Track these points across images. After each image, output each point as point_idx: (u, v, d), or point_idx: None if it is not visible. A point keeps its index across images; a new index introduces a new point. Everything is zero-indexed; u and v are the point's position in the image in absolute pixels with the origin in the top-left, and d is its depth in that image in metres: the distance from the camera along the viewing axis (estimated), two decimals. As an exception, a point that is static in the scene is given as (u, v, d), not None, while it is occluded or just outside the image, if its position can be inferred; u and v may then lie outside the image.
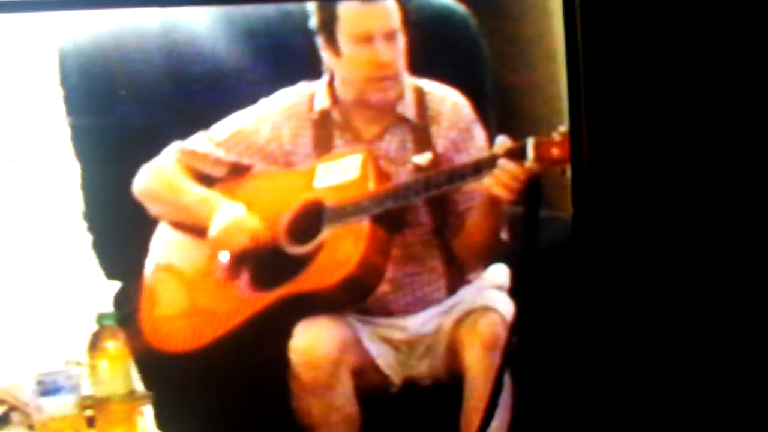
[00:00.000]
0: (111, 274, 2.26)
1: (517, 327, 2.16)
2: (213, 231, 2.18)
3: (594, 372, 2.05)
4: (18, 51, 2.30)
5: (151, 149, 2.22)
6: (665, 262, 2.03)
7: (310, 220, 2.17)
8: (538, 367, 2.17)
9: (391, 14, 2.15)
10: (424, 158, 2.18)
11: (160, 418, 2.11)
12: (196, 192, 2.22)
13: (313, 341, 2.13)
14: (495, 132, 2.15)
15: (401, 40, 2.16)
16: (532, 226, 2.12)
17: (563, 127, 2.09)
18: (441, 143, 2.19)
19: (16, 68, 2.33)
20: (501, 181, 2.09)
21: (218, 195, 2.21)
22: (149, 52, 2.24)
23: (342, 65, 2.17)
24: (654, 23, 2.01)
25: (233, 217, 2.18)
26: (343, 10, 2.14)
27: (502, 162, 2.09)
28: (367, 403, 2.16)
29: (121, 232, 2.24)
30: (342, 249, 2.14)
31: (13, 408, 2.11)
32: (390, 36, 2.14)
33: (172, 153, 2.22)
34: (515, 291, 2.20)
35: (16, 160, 2.38)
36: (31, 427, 2.06)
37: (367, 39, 2.14)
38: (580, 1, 2.03)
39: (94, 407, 2.05)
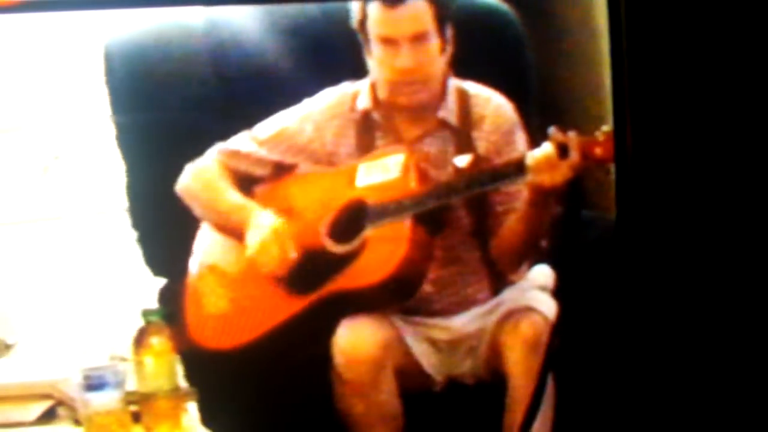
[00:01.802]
0: (156, 270, 2.29)
1: (559, 328, 2.15)
2: (249, 248, 2.20)
3: (637, 373, 2.04)
4: (64, 49, 2.33)
5: (195, 147, 2.24)
6: (709, 263, 2.02)
7: (352, 220, 2.18)
8: (581, 367, 2.17)
9: (419, 17, 2.14)
10: (464, 160, 2.18)
11: (204, 415, 2.13)
12: (232, 199, 2.24)
13: (355, 340, 2.15)
14: (538, 132, 2.14)
15: (434, 43, 2.15)
16: (574, 226, 2.12)
17: (607, 127, 2.07)
18: (482, 146, 2.20)
19: (62, 66, 2.35)
20: (544, 168, 2.08)
21: (253, 204, 2.23)
22: (193, 50, 2.27)
23: (374, 66, 2.18)
24: (699, 22, 2.00)
25: (268, 231, 2.19)
26: (371, 11, 2.15)
27: (547, 148, 2.08)
28: (410, 402, 2.17)
29: (166, 229, 2.26)
30: (384, 248, 2.15)
31: (59, 403, 2.14)
32: (417, 39, 2.14)
33: (214, 154, 2.24)
34: (558, 292, 2.20)
35: (62, 157, 2.40)
36: (77, 421, 2.09)
37: (393, 42, 2.15)
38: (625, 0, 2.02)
39: (139, 403, 2.07)
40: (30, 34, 2.32)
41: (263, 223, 2.20)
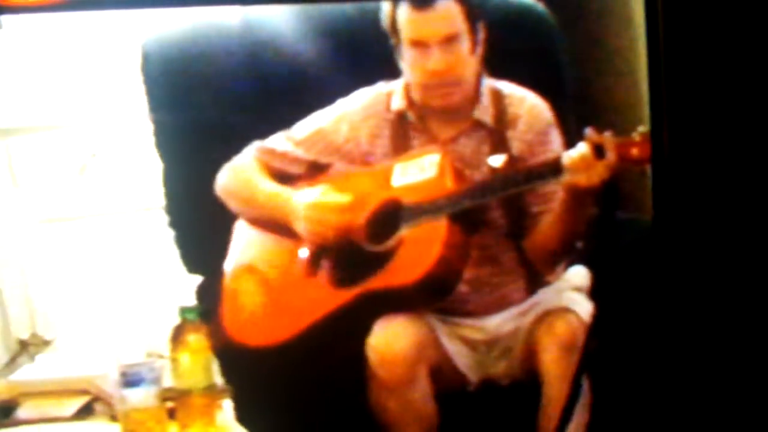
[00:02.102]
0: (193, 268, 2.31)
1: (595, 329, 2.14)
2: (297, 226, 2.20)
3: (673, 375, 2.03)
4: (103, 48, 2.34)
5: (231, 146, 2.26)
6: (747, 265, 2.01)
7: (387, 219, 2.18)
8: (616, 368, 2.16)
9: (449, 19, 2.14)
10: (499, 160, 2.17)
11: (239, 412, 2.13)
12: (271, 190, 2.24)
13: (391, 339, 2.15)
14: (574, 133, 2.13)
15: (465, 44, 2.15)
16: (610, 227, 2.11)
17: (643, 127, 2.06)
18: (517, 146, 2.19)
19: (101, 65, 2.37)
20: (580, 168, 2.08)
21: (292, 192, 2.23)
22: (230, 50, 2.28)
23: (405, 69, 2.18)
24: (737, 21, 1.98)
25: (312, 208, 2.20)
26: (401, 13, 2.15)
27: (583, 149, 2.08)
28: (444, 401, 2.17)
29: (202, 227, 2.28)
30: (419, 248, 2.15)
31: (96, 398, 2.15)
32: (448, 41, 2.14)
33: (251, 152, 2.26)
34: (594, 293, 2.19)
35: (100, 156, 2.42)
36: (113, 417, 2.10)
37: (423, 45, 2.15)
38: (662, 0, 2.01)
39: (175, 399, 2.08)
40: (68, 33, 2.35)
41: (306, 198, 2.21)
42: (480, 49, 2.17)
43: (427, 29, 2.14)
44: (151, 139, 2.32)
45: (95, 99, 2.42)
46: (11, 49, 2.36)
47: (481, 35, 2.17)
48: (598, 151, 2.08)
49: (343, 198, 2.21)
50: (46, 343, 2.34)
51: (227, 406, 2.13)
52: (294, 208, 2.21)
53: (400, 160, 2.22)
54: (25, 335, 2.34)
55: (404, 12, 2.14)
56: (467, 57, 2.17)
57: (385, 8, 2.17)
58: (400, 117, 2.22)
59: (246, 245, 2.26)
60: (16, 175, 2.43)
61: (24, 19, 2.28)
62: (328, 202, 2.20)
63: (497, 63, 2.20)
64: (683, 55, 2.00)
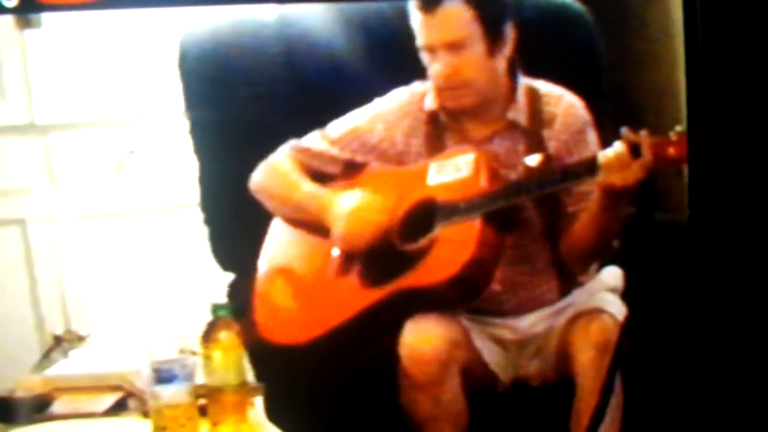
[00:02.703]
0: (226, 265, 2.31)
1: (629, 330, 2.12)
2: (334, 229, 2.20)
3: (707, 377, 2.01)
4: (140, 45, 2.36)
5: (267, 144, 2.27)
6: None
7: (422, 218, 2.18)
8: (650, 369, 2.14)
9: (454, 24, 2.13)
10: (535, 159, 2.16)
11: (271, 410, 2.14)
12: (307, 189, 2.25)
13: (422, 338, 2.15)
14: (611, 132, 2.11)
15: (475, 47, 2.13)
16: (645, 227, 2.09)
17: (680, 127, 2.04)
18: (554, 145, 2.18)
19: (138, 62, 2.39)
20: (616, 168, 2.06)
21: (329, 191, 2.24)
22: (266, 48, 2.29)
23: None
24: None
25: (352, 210, 2.20)
26: (414, 17, 2.16)
27: (619, 148, 2.06)
28: (475, 401, 2.17)
29: (236, 224, 2.29)
30: (453, 247, 2.15)
31: (129, 394, 2.16)
32: (452, 47, 2.13)
33: (286, 150, 2.26)
34: (628, 294, 2.18)
35: (137, 153, 2.44)
36: (146, 413, 2.11)
37: (431, 49, 2.15)
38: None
39: (207, 396, 2.09)
40: (106, 31, 2.36)
41: (348, 202, 2.21)
42: (507, 50, 2.16)
43: (432, 35, 2.14)
44: (187, 136, 2.32)
45: (133, 96, 2.44)
46: (51, 46, 2.39)
47: (509, 35, 2.15)
48: (634, 150, 2.06)
49: (378, 199, 2.20)
50: (80, 339, 2.36)
51: (259, 403, 2.14)
52: (331, 211, 2.21)
53: (435, 159, 2.21)
54: (59, 331, 2.36)
55: (415, 16, 2.15)
56: (481, 60, 2.15)
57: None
58: (434, 117, 2.21)
59: (279, 244, 2.27)
60: (54, 172, 2.45)
61: (63, 17, 2.30)
62: (364, 206, 2.19)
63: (533, 62, 2.19)
64: (721, 54, 1.98)
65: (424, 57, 2.16)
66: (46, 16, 2.37)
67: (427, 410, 2.15)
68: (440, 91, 2.18)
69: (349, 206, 2.20)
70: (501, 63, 2.17)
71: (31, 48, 2.40)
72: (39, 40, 2.39)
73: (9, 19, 2.34)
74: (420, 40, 2.15)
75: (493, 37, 2.14)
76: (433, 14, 2.13)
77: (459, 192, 2.17)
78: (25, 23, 2.37)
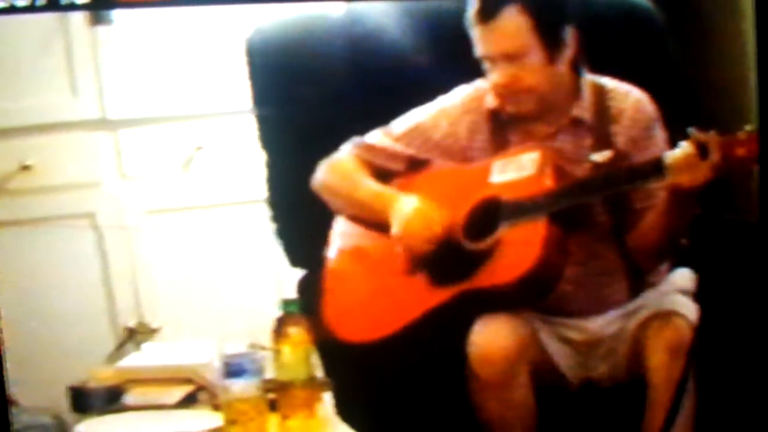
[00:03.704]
0: (295, 261, 2.33)
1: (701, 332, 2.12)
2: (396, 227, 2.21)
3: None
4: (209, 42, 2.38)
5: (333, 141, 2.27)
6: None
7: (486, 217, 2.17)
8: (722, 371, 2.13)
9: (512, 34, 2.13)
10: (602, 155, 2.15)
11: (339, 405, 2.16)
12: (371, 187, 2.26)
13: (491, 339, 2.14)
14: (678, 131, 2.10)
15: (533, 56, 2.13)
16: (714, 229, 2.08)
17: (750, 126, 2.03)
18: (621, 141, 2.17)
19: (206, 59, 2.41)
20: (683, 168, 2.05)
21: (393, 190, 2.24)
22: (333, 44, 2.30)
23: None
24: None
25: (414, 210, 2.20)
26: (471, 28, 2.16)
27: (686, 148, 2.05)
28: (544, 401, 2.17)
29: (304, 220, 2.30)
30: (519, 247, 2.14)
31: (200, 387, 2.20)
32: (512, 57, 2.13)
33: (350, 147, 2.27)
34: (699, 295, 2.17)
35: (205, 148, 2.46)
36: (216, 406, 2.14)
37: (490, 60, 2.16)
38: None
39: (277, 391, 2.11)
40: (176, 27, 2.39)
41: (409, 205, 2.21)
42: (568, 53, 2.16)
43: (489, 45, 2.15)
44: (255, 133, 2.34)
45: (202, 92, 2.46)
46: (122, 42, 2.42)
47: (569, 39, 2.15)
48: (702, 150, 2.04)
49: (440, 201, 2.21)
50: (152, 332, 2.40)
51: (327, 398, 2.16)
52: (393, 210, 2.22)
53: (499, 157, 2.21)
54: (132, 323, 2.40)
55: (473, 24, 2.15)
56: (539, 68, 2.15)
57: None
58: (497, 114, 2.22)
59: (345, 241, 2.28)
60: (123, 167, 2.48)
61: (134, 14, 2.34)
62: (426, 208, 2.20)
63: (600, 59, 2.18)
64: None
65: (485, 64, 2.17)
66: (117, 13, 2.40)
67: (496, 410, 2.15)
68: (500, 97, 2.19)
69: (410, 207, 2.21)
70: (562, 66, 2.16)
71: (102, 44, 2.43)
72: (110, 37, 2.43)
73: (81, 16, 2.37)
74: (478, 50, 2.16)
75: (551, 44, 2.14)
76: (490, 25, 2.13)
77: (523, 191, 2.16)
78: (96, 20, 2.40)
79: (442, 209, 2.20)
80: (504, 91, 2.17)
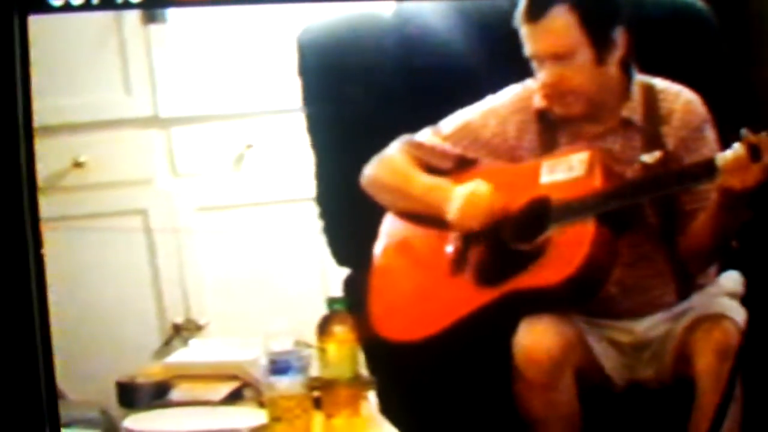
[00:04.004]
0: (342, 260, 2.33)
1: (749, 336, 2.09)
2: (451, 211, 2.20)
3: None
4: (260, 40, 2.39)
5: (383, 140, 2.28)
6: None
7: (535, 217, 2.17)
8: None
9: (561, 34, 2.12)
10: (653, 156, 2.14)
11: (384, 404, 2.16)
12: (425, 180, 2.26)
13: (536, 340, 2.13)
14: (730, 132, 2.08)
15: (582, 57, 2.12)
16: (765, 232, 2.05)
17: (805, 128, 2.01)
18: (671, 142, 2.16)
19: (257, 57, 2.42)
20: (734, 171, 2.03)
21: (448, 183, 2.24)
22: (383, 43, 2.31)
23: None
24: None
25: (471, 192, 2.20)
26: (519, 27, 2.16)
27: (738, 150, 2.03)
28: (589, 402, 2.15)
29: (352, 219, 2.31)
30: (567, 248, 2.13)
31: (246, 384, 2.21)
32: (560, 57, 2.13)
33: (399, 145, 2.27)
34: (748, 299, 2.15)
35: (255, 146, 2.48)
36: (261, 403, 2.15)
37: (538, 60, 2.15)
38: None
39: (321, 389, 2.12)
40: (227, 25, 2.41)
41: (465, 189, 2.21)
42: (618, 54, 2.15)
43: (537, 45, 2.14)
44: (304, 131, 2.35)
45: (253, 91, 2.47)
46: (175, 41, 2.44)
47: (619, 41, 2.14)
48: (754, 152, 2.02)
49: (495, 193, 2.20)
50: (199, 328, 2.41)
51: (372, 397, 2.16)
52: (449, 199, 2.21)
53: (547, 158, 2.20)
54: (179, 320, 2.42)
55: (522, 23, 2.15)
56: (588, 68, 2.14)
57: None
58: (544, 115, 2.20)
59: (392, 240, 2.28)
60: (175, 164, 2.50)
61: (187, 12, 2.36)
62: (483, 190, 2.19)
63: (652, 60, 2.17)
64: None
65: (533, 63, 2.17)
66: (170, 12, 2.42)
67: (540, 411, 2.14)
68: (548, 97, 2.18)
69: (467, 189, 2.20)
70: (611, 67, 2.15)
71: (155, 43, 2.45)
72: (163, 35, 2.45)
73: (136, 15, 2.40)
74: (527, 50, 2.15)
75: (600, 45, 2.13)
76: (538, 25, 2.13)
77: (572, 192, 2.15)
78: (150, 18, 2.43)
79: (495, 193, 2.19)
80: (551, 92, 2.17)
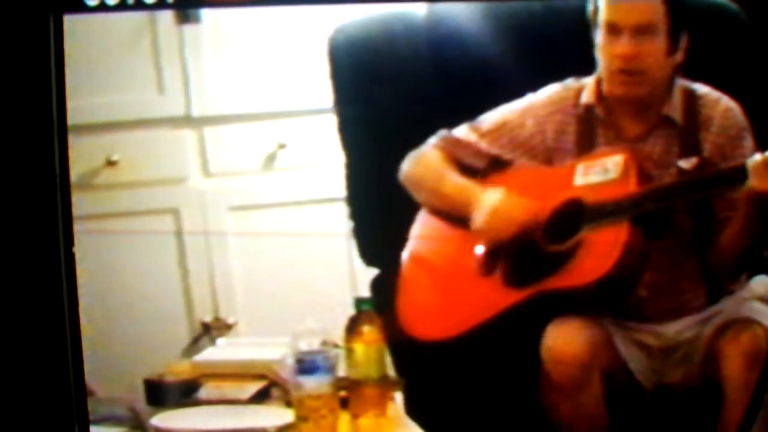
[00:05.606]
0: (370, 260, 2.34)
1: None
2: (477, 220, 2.21)
3: None
4: (292, 40, 2.40)
5: (414, 141, 2.28)
6: None
7: (568, 219, 2.17)
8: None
9: (648, 9, 2.12)
10: (689, 162, 2.13)
11: (411, 405, 2.16)
12: (455, 180, 2.26)
13: (565, 341, 2.14)
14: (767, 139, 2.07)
15: (659, 39, 2.12)
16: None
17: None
18: (708, 149, 2.15)
19: (289, 57, 2.43)
20: (764, 175, 2.03)
21: (477, 185, 2.24)
22: (415, 44, 2.31)
23: (597, 55, 2.17)
24: None
25: (497, 205, 2.20)
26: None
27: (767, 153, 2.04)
28: (616, 404, 2.15)
29: (381, 220, 2.31)
30: (599, 250, 2.13)
31: (273, 383, 2.21)
32: (641, 31, 2.12)
33: (436, 140, 2.28)
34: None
35: (287, 146, 2.48)
36: (288, 403, 2.16)
37: (616, 30, 2.13)
38: None
39: (348, 389, 2.12)
40: (260, 25, 2.41)
41: (493, 197, 2.21)
42: (680, 55, 2.15)
43: (622, 13, 2.12)
44: (336, 131, 2.35)
45: (285, 90, 2.48)
46: (208, 41, 2.45)
47: (683, 43, 2.15)
48: None
49: (524, 198, 2.19)
50: (227, 327, 2.42)
51: (399, 398, 2.15)
52: (476, 203, 2.21)
53: (583, 160, 2.20)
54: (208, 318, 2.42)
55: None
56: (659, 53, 2.14)
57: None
58: (588, 112, 2.20)
59: (424, 237, 2.29)
60: (207, 163, 2.51)
61: (221, 13, 2.36)
62: (510, 203, 2.19)
63: (690, 64, 2.16)
64: None
65: (601, 38, 2.15)
66: (204, 12, 2.43)
67: (567, 413, 2.14)
68: (613, 75, 2.16)
69: (494, 200, 2.21)
70: (671, 65, 2.15)
71: (188, 43, 2.46)
72: (196, 35, 2.46)
73: (169, 15, 2.41)
74: (606, 16, 2.14)
75: (675, 36, 2.13)
76: None
77: (606, 194, 2.15)
78: (183, 18, 2.44)
79: (526, 204, 2.19)
80: (621, 66, 2.14)
